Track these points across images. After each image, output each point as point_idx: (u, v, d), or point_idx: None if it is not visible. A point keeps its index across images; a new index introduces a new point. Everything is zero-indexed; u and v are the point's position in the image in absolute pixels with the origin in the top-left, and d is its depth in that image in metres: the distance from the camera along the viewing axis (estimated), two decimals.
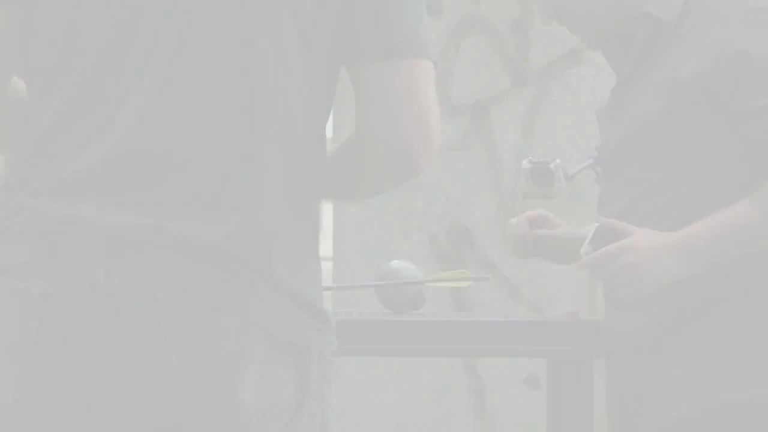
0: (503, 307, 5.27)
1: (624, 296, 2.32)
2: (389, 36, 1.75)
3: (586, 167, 2.67)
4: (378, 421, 5.44)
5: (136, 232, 1.62)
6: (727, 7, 2.29)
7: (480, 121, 5.48)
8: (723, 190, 2.30)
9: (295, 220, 1.71)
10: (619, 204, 2.43)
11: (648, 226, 2.35)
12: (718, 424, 2.30)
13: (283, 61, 1.75)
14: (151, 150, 1.65)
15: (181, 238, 1.62)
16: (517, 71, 5.54)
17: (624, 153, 2.46)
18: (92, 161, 1.65)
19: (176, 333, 1.61)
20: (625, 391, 2.40)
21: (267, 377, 1.64)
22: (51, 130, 1.68)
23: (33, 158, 1.69)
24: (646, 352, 2.33)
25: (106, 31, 1.66)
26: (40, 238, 1.65)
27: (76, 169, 1.66)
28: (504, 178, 5.40)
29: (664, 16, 2.33)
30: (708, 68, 2.30)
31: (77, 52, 1.67)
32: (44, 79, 1.69)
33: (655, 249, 2.31)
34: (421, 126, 1.74)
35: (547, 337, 2.50)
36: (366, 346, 2.54)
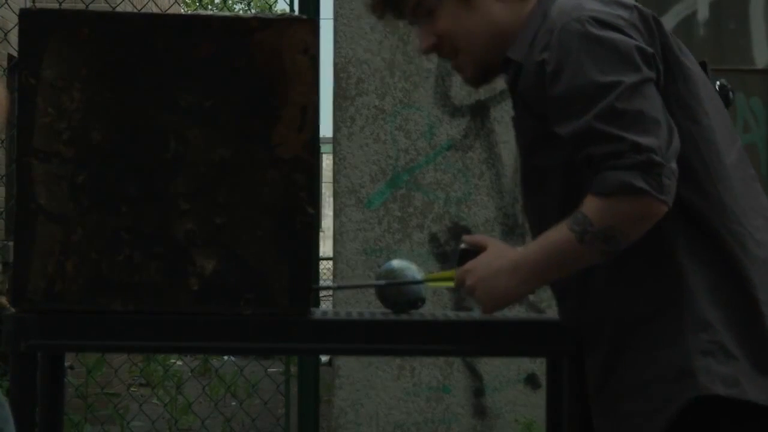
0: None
1: (483, 312, 2.38)
2: None
3: None
4: (378, 421, 5.44)
5: None
6: (543, 34, 2.31)
7: (480, 121, 5.48)
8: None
9: None
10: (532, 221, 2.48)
11: None
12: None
13: None
14: None
15: None
16: None
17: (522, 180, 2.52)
18: None
19: None
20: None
21: None
22: None
23: None
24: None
25: None
26: None
27: None
28: (504, 178, 5.40)
29: (516, 57, 2.36)
30: (528, 93, 2.36)
31: None
32: None
33: (492, 270, 2.35)
34: None
35: (547, 337, 2.50)
36: (366, 346, 2.54)
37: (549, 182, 2.39)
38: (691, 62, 2.37)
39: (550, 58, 2.29)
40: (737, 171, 2.35)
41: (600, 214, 2.24)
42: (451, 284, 2.67)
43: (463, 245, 2.48)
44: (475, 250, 2.44)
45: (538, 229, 2.41)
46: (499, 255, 2.39)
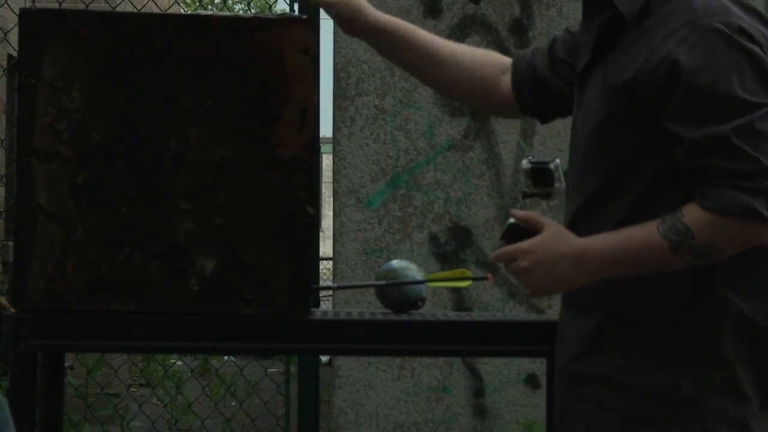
0: (503, 307, 5.26)
1: (524, 296, 2.31)
2: None
3: None
4: (378, 421, 5.44)
5: None
6: (677, 19, 2.23)
7: (480, 121, 5.48)
8: (656, 204, 2.27)
9: None
10: (570, 208, 2.41)
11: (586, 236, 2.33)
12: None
13: None
14: None
15: None
16: None
17: (572, 156, 2.45)
18: None
19: None
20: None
21: None
22: None
23: None
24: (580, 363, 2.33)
25: None
26: None
27: None
28: (504, 178, 5.40)
29: (623, 9, 2.28)
30: (644, 77, 2.25)
31: None
32: None
33: (553, 255, 2.28)
34: None
35: (547, 337, 2.49)
36: (366, 346, 2.54)
37: (616, 167, 2.32)
38: None
39: (690, 55, 2.21)
40: None
41: (706, 230, 2.19)
42: (451, 284, 2.67)
43: (512, 220, 2.38)
44: (525, 228, 2.35)
45: (579, 206, 2.35)
46: (562, 240, 2.30)
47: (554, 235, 2.31)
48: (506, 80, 2.61)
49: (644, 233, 2.22)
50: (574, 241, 2.30)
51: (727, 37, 2.20)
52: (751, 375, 2.23)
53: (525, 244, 2.31)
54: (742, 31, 2.21)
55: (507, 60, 2.65)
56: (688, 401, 2.21)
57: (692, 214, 2.20)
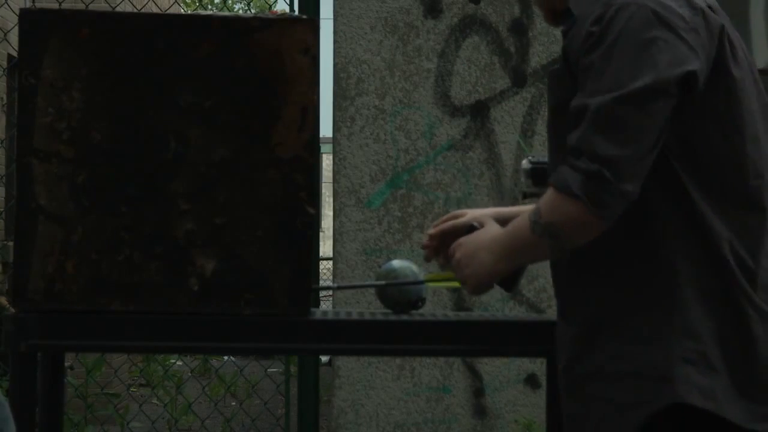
0: (503, 307, 5.27)
1: (468, 291, 2.37)
2: None
3: None
4: (378, 421, 5.44)
5: None
6: (601, 3, 2.29)
7: (480, 121, 5.48)
8: None
9: None
10: None
11: None
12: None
13: None
14: None
15: None
16: (517, 71, 5.54)
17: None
18: None
19: None
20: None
21: None
22: None
23: None
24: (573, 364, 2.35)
25: None
26: None
27: None
28: (504, 178, 5.40)
29: (576, 12, 2.33)
30: (573, 58, 2.32)
31: None
32: None
33: (476, 245, 2.37)
34: None
35: (547, 337, 2.50)
36: (366, 346, 2.54)
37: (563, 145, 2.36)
38: (743, 74, 2.32)
39: (597, 31, 2.25)
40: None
41: (548, 207, 2.24)
42: (452, 284, 2.67)
43: (474, 223, 2.49)
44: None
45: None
46: (487, 231, 2.39)
47: (486, 228, 2.41)
48: None
49: (522, 218, 2.30)
50: (493, 231, 2.37)
51: (631, 16, 2.23)
52: (721, 349, 2.25)
53: (460, 239, 2.40)
54: (653, 14, 2.23)
55: None
56: (661, 374, 2.22)
57: (545, 194, 2.26)
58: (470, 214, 2.59)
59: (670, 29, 2.23)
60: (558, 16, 2.45)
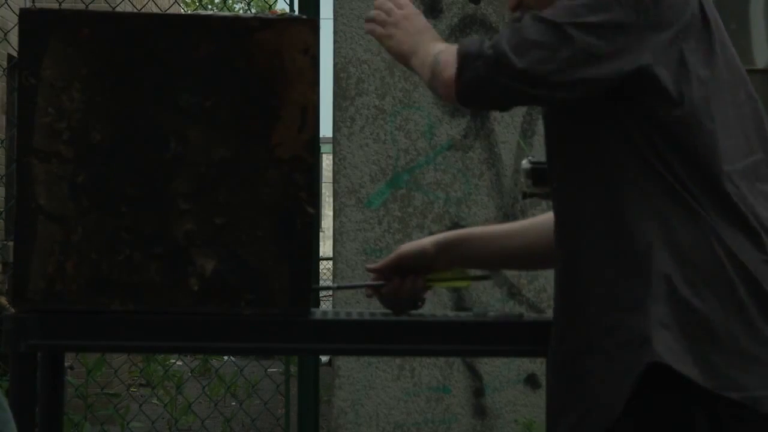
0: (503, 307, 5.27)
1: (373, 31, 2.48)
2: None
3: None
4: (378, 421, 5.44)
5: None
6: None
7: (480, 121, 5.48)
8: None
9: None
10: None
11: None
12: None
13: None
14: None
15: None
16: None
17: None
18: None
19: None
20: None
21: None
22: None
23: None
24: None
25: None
26: None
27: None
28: (504, 178, 5.40)
29: None
30: None
31: None
32: None
33: (418, 21, 2.46)
34: None
35: (547, 336, 2.50)
36: (366, 346, 2.54)
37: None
38: (720, 36, 2.34)
39: None
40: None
41: (448, 52, 2.35)
42: (456, 285, 2.67)
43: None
44: None
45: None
46: (423, 24, 2.49)
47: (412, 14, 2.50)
48: None
49: (439, 47, 2.41)
50: (425, 30, 2.48)
51: None
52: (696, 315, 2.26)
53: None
54: None
55: None
56: (643, 338, 2.22)
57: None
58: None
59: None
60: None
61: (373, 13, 2.49)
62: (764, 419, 2.21)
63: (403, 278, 2.62)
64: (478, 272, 2.68)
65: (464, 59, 2.31)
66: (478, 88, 2.31)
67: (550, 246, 2.49)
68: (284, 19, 2.46)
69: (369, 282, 2.69)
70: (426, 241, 2.65)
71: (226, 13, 2.44)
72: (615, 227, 2.28)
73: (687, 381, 2.20)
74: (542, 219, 2.67)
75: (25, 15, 2.46)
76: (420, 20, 2.47)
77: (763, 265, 2.26)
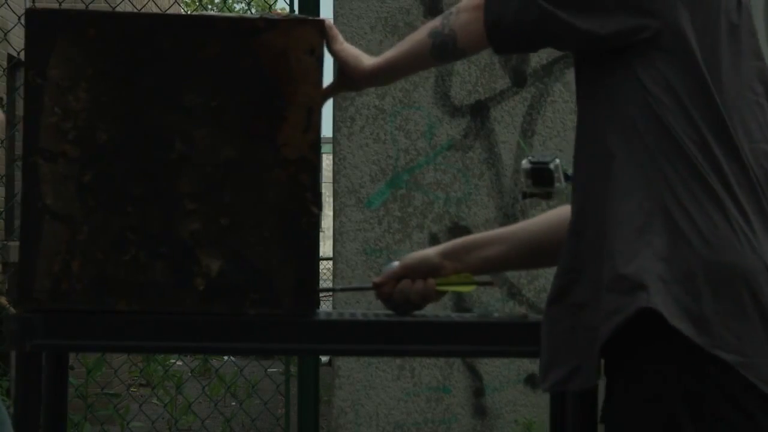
0: (503, 307, 5.27)
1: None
2: None
3: None
4: (378, 421, 5.45)
5: None
6: None
7: (480, 121, 5.49)
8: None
9: None
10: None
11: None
12: None
13: None
14: None
15: None
16: (517, 71, 5.55)
17: None
18: None
19: None
20: None
21: None
22: None
23: None
24: None
25: None
26: None
27: None
28: (504, 178, 5.41)
29: None
30: None
31: None
32: None
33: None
34: None
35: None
36: (366, 346, 2.55)
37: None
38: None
39: None
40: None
41: (462, 16, 2.37)
42: (463, 289, 2.67)
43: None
44: None
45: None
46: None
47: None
48: None
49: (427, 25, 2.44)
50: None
51: None
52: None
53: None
54: None
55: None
56: (638, 284, 2.20)
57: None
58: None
59: None
60: None
61: None
62: (749, 388, 2.20)
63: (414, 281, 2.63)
64: (483, 278, 2.68)
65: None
66: (511, 19, 2.28)
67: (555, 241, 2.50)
68: (290, 20, 2.47)
69: (370, 284, 2.69)
70: (430, 251, 2.66)
71: (227, 13, 2.44)
72: (622, 186, 2.26)
73: (678, 336, 2.17)
74: (546, 216, 2.67)
75: (31, 15, 2.47)
76: None
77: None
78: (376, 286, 2.64)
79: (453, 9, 2.41)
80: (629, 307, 2.18)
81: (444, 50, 2.43)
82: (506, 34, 2.33)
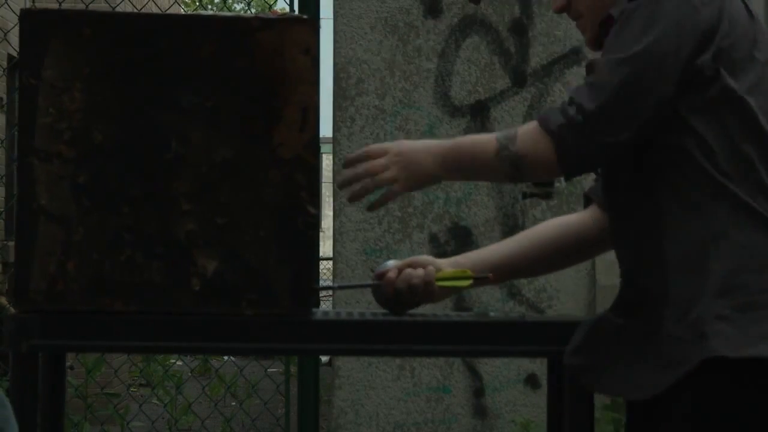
0: (503, 307, 5.27)
1: (398, 189, 2.45)
2: None
3: None
4: (378, 421, 5.45)
5: None
6: None
7: (480, 121, 5.48)
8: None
9: None
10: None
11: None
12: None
13: None
14: None
15: None
16: (517, 71, 5.54)
17: None
18: None
19: None
20: None
21: None
22: None
23: None
24: None
25: None
26: None
27: None
28: None
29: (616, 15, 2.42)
30: None
31: None
32: None
33: (414, 146, 2.45)
34: None
35: (547, 337, 2.50)
36: (366, 346, 2.54)
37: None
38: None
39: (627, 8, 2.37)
40: None
41: (525, 137, 2.36)
42: (461, 284, 2.67)
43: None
44: None
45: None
46: (418, 141, 2.48)
47: (407, 141, 2.49)
48: (587, 216, 2.70)
49: (488, 135, 2.41)
50: (433, 142, 2.47)
51: None
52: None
53: (386, 145, 2.46)
54: None
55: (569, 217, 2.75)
56: (699, 334, 2.28)
57: (527, 125, 2.38)
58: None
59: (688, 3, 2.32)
60: (601, 36, 2.51)
61: (362, 168, 2.47)
62: None
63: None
64: (481, 273, 2.68)
65: (555, 134, 2.33)
66: (584, 156, 2.34)
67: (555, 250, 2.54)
68: (285, 20, 2.46)
69: (369, 282, 2.69)
70: (441, 260, 2.70)
71: (226, 13, 2.44)
72: (675, 229, 2.34)
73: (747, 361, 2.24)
74: (541, 226, 2.71)
75: (26, 15, 2.46)
76: (408, 142, 2.49)
77: None
78: (378, 276, 2.65)
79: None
80: (691, 360, 2.26)
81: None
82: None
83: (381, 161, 2.45)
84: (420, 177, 2.45)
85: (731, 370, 2.25)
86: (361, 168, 2.45)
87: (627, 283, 2.44)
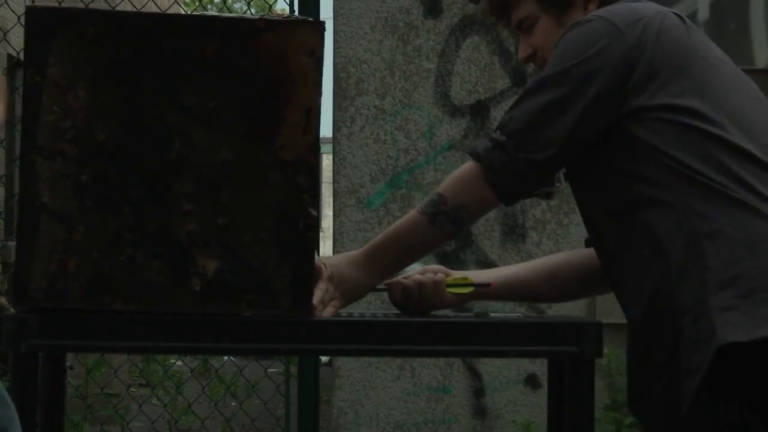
0: (503, 307, 5.28)
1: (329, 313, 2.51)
2: None
3: None
4: (378, 421, 5.45)
5: None
6: None
7: (480, 121, 5.48)
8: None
9: None
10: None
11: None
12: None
13: None
14: None
15: None
16: (517, 71, 5.55)
17: None
18: None
19: None
20: None
21: None
22: None
23: None
24: None
25: None
26: None
27: None
28: None
29: None
30: None
31: None
32: None
33: (340, 264, 2.53)
34: None
35: (547, 337, 2.50)
36: (366, 346, 2.54)
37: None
38: (712, 58, 2.41)
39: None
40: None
41: (450, 189, 2.42)
42: (452, 291, 2.67)
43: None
44: None
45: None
46: (343, 255, 2.55)
47: (335, 256, 2.58)
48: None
49: (408, 216, 2.46)
50: (355, 252, 2.54)
51: (585, 21, 2.42)
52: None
53: (322, 275, 2.51)
54: (600, 17, 2.40)
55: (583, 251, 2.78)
56: (709, 332, 2.29)
57: (441, 185, 2.44)
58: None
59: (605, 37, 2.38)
60: None
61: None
62: None
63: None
64: (481, 279, 2.70)
65: (482, 158, 2.39)
66: (513, 174, 2.38)
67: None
68: (290, 21, 2.46)
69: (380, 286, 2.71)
70: (455, 271, 2.73)
71: (227, 13, 2.44)
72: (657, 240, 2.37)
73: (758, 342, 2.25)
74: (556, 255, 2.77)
75: (30, 13, 2.46)
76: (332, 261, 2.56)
77: None
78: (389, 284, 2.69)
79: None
80: (707, 358, 2.27)
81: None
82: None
83: (321, 286, 2.50)
84: (356, 293, 2.56)
85: (746, 355, 2.26)
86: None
87: (634, 312, 2.45)
